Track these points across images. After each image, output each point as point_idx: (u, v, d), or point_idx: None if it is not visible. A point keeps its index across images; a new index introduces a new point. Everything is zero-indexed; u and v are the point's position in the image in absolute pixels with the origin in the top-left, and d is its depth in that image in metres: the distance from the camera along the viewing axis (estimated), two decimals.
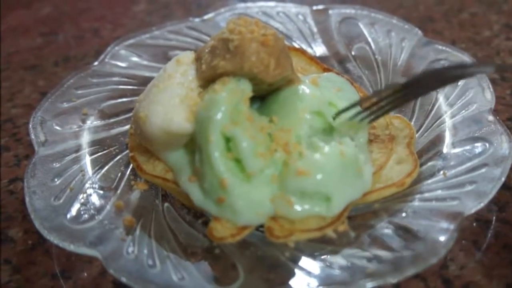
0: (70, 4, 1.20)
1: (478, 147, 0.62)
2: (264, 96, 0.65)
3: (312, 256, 0.54)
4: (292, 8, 0.92)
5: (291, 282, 0.52)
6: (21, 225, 0.66)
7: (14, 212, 0.68)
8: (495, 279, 0.55)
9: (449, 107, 0.70)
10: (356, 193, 0.58)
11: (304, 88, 0.64)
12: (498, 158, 0.59)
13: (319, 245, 0.56)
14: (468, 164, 0.60)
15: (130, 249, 0.56)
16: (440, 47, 0.77)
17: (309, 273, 0.52)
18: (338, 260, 0.53)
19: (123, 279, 0.51)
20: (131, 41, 0.85)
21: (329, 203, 0.56)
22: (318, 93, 0.64)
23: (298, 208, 0.56)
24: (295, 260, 0.54)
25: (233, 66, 0.58)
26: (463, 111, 0.68)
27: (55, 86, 0.76)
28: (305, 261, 0.54)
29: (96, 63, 0.81)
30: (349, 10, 0.89)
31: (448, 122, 0.67)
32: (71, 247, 0.54)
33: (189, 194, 0.59)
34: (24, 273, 0.60)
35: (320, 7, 0.90)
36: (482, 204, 0.54)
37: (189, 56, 0.65)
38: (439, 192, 0.58)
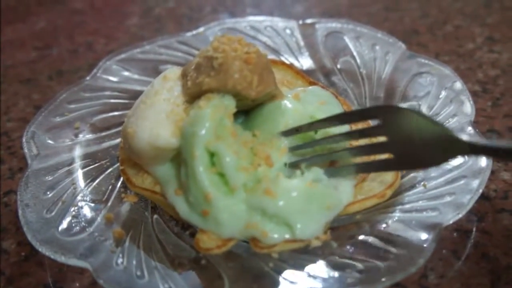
0: (64, 18, 1.22)
1: (457, 159, 0.63)
2: (247, 111, 0.67)
3: (296, 266, 0.56)
4: (280, 23, 0.93)
5: None
6: (14, 237, 0.67)
7: (8, 224, 0.69)
8: None
9: None
10: (320, 225, 0.58)
11: (286, 103, 0.66)
12: (476, 170, 0.60)
13: (302, 256, 0.57)
14: (448, 176, 0.61)
15: (120, 261, 0.57)
16: (423, 60, 0.79)
17: (292, 283, 0.54)
18: (321, 270, 0.55)
19: None
20: (122, 55, 0.86)
21: (291, 229, 0.57)
22: (300, 107, 0.66)
23: (271, 237, 0.57)
24: (279, 271, 0.56)
25: (217, 83, 0.60)
26: (444, 123, 0.69)
27: (49, 100, 0.78)
28: (288, 272, 0.55)
29: (88, 77, 0.83)
30: (335, 24, 0.90)
31: None
32: (62, 259, 0.56)
33: (175, 206, 0.61)
34: (17, 284, 0.61)
35: (307, 21, 0.92)
36: (460, 215, 0.56)
37: (175, 72, 0.67)
38: (419, 203, 0.60)
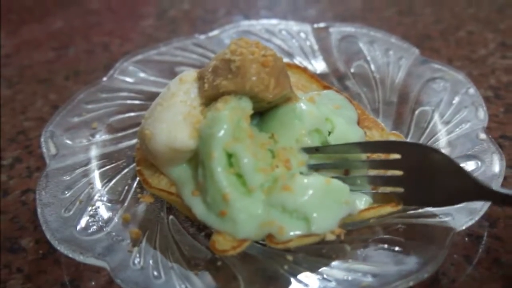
0: (80, 19, 1.23)
1: (471, 165, 0.64)
2: (262, 112, 0.68)
3: (310, 269, 0.57)
4: (294, 26, 0.94)
5: None
6: (32, 235, 0.69)
7: (26, 223, 0.71)
8: None
9: (444, 125, 0.72)
10: (336, 219, 0.59)
11: (302, 106, 0.67)
12: (489, 176, 0.61)
13: (317, 259, 0.58)
14: None
15: (137, 260, 0.58)
16: (436, 66, 0.80)
17: (306, 286, 0.55)
18: (335, 273, 0.56)
19: None
20: (139, 57, 0.88)
21: (308, 223, 0.58)
22: (315, 110, 0.67)
23: (288, 232, 0.57)
24: (294, 273, 0.56)
25: (235, 86, 0.61)
26: (457, 129, 0.70)
27: (65, 100, 0.79)
28: (303, 274, 0.56)
29: (105, 78, 0.84)
30: (349, 29, 0.91)
31: (442, 140, 0.69)
32: (81, 258, 0.57)
33: (192, 207, 0.61)
34: (35, 281, 0.63)
35: (321, 25, 0.93)
36: (473, 221, 0.56)
37: (191, 74, 0.68)
38: (432, 208, 0.60)
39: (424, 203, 0.60)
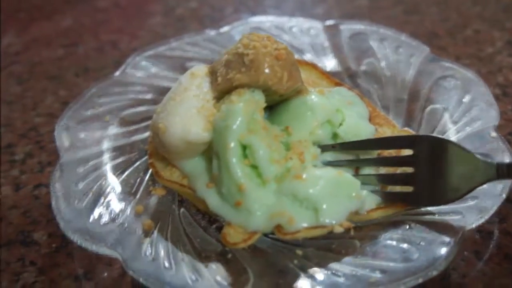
0: (89, 17, 1.24)
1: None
2: (272, 106, 0.69)
3: (319, 264, 0.57)
4: (304, 23, 0.95)
5: (299, 287, 0.55)
6: (45, 228, 0.69)
7: (38, 217, 0.71)
8: None
9: (454, 123, 0.72)
10: (345, 212, 0.59)
11: (314, 98, 0.68)
12: None
13: (326, 254, 0.59)
14: None
15: (148, 252, 0.59)
16: (446, 64, 0.80)
17: (315, 280, 0.55)
18: (343, 268, 0.56)
19: (142, 280, 0.54)
20: (150, 52, 0.88)
21: (317, 214, 0.58)
22: (326, 102, 0.68)
23: (297, 223, 0.58)
24: (303, 268, 0.57)
25: (249, 79, 0.62)
26: (468, 127, 0.70)
27: (75, 96, 0.80)
28: (312, 269, 0.57)
29: (117, 73, 0.84)
30: (359, 26, 0.92)
31: (452, 138, 0.69)
32: (93, 248, 0.58)
33: (206, 199, 0.62)
34: (48, 274, 0.63)
35: (332, 22, 0.93)
36: (483, 219, 0.57)
37: (202, 69, 0.69)
38: (442, 206, 0.60)
39: (434, 202, 0.60)
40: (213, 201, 0.62)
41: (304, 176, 0.59)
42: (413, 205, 0.61)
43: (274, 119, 0.68)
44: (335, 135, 0.68)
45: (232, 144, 0.59)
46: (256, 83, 0.62)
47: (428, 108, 0.76)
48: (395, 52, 0.86)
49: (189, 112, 0.64)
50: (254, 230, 0.59)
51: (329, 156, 0.66)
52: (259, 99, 0.63)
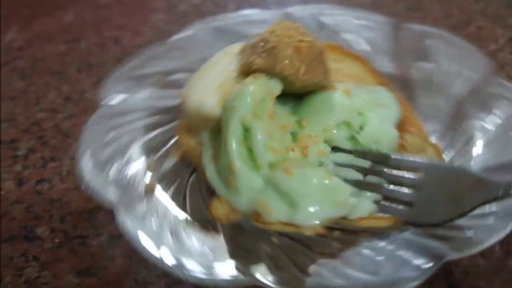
0: (91, 13, 1.24)
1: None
2: (300, 97, 0.68)
3: (289, 256, 0.58)
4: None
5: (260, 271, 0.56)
6: (48, 224, 0.70)
7: (41, 212, 0.72)
8: (499, 284, 0.58)
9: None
10: (321, 218, 0.58)
11: (335, 96, 0.66)
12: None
13: (301, 247, 0.59)
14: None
15: (144, 209, 0.62)
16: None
17: (279, 269, 0.56)
18: (311, 267, 0.57)
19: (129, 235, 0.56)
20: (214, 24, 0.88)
21: (293, 212, 0.58)
22: (347, 102, 0.66)
23: (273, 215, 0.58)
24: (272, 256, 0.58)
25: (266, 65, 0.63)
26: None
27: (78, 91, 0.80)
28: (281, 259, 0.58)
29: (174, 37, 0.86)
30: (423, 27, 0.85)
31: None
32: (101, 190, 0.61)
33: (206, 171, 0.64)
34: (51, 269, 0.64)
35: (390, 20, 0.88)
36: (465, 254, 0.53)
37: (237, 47, 0.71)
38: (433, 231, 0.58)
39: (430, 222, 0.57)
40: (211, 174, 0.63)
41: (292, 170, 0.59)
42: (408, 221, 0.59)
43: (297, 110, 0.68)
44: (352, 138, 0.65)
45: (234, 124, 0.61)
46: (273, 70, 0.63)
47: (420, 70, 0.78)
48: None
49: (210, 85, 0.66)
50: (238, 209, 0.61)
51: (341, 157, 0.65)
52: (273, 87, 0.63)
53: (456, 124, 0.73)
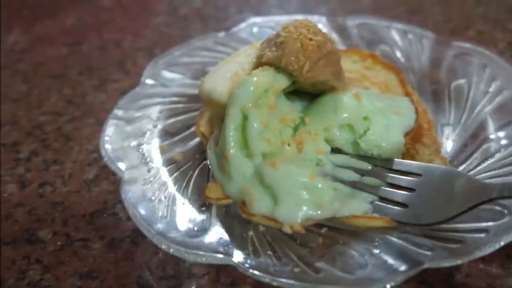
0: (92, 16, 1.25)
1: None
2: (313, 96, 0.70)
3: (272, 245, 0.59)
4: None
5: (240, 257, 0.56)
6: (50, 227, 0.70)
7: (44, 215, 0.72)
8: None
9: (483, 95, 0.76)
10: (300, 216, 0.58)
11: (342, 98, 0.67)
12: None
13: (286, 238, 0.59)
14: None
15: (149, 186, 0.65)
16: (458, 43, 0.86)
17: (259, 256, 0.57)
18: (293, 258, 0.57)
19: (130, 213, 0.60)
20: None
21: (274, 207, 0.58)
22: (354, 106, 0.66)
23: (256, 207, 0.59)
24: (254, 243, 0.59)
25: (274, 59, 0.65)
26: (497, 97, 0.74)
27: (79, 95, 0.80)
28: (264, 246, 0.59)
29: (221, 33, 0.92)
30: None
31: (487, 108, 0.74)
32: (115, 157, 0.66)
33: (208, 153, 0.67)
34: (54, 272, 0.64)
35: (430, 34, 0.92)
36: (447, 264, 0.52)
37: (260, 42, 0.73)
38: (420, 238, 0.57)
39: (423, 222, 0.57)
40: (211, 157, 0.67)
41: (279, 165, 0.60)
42: (401, 221, 0.58)
43: (306, 107, 0.69)
44: (354, 142, 0.66)
45: (234, 111, 0.63)
46: (279, 64, 0.65)
47: (453, 85, 0.79)
48: (404, 37, 0.89)
49: (224, 73, 0.69)
50: (228, 195, 0.63)
51: (340, 158, 0.65)
52: (279, 81, 0.65)
53: (441, 88, 0.81)
